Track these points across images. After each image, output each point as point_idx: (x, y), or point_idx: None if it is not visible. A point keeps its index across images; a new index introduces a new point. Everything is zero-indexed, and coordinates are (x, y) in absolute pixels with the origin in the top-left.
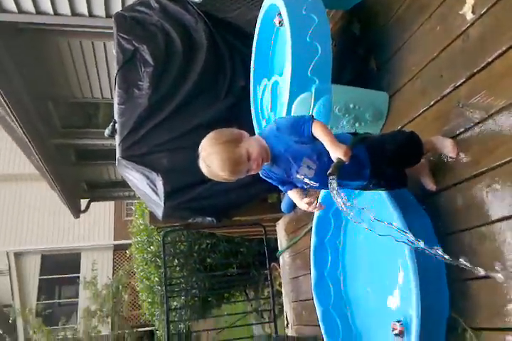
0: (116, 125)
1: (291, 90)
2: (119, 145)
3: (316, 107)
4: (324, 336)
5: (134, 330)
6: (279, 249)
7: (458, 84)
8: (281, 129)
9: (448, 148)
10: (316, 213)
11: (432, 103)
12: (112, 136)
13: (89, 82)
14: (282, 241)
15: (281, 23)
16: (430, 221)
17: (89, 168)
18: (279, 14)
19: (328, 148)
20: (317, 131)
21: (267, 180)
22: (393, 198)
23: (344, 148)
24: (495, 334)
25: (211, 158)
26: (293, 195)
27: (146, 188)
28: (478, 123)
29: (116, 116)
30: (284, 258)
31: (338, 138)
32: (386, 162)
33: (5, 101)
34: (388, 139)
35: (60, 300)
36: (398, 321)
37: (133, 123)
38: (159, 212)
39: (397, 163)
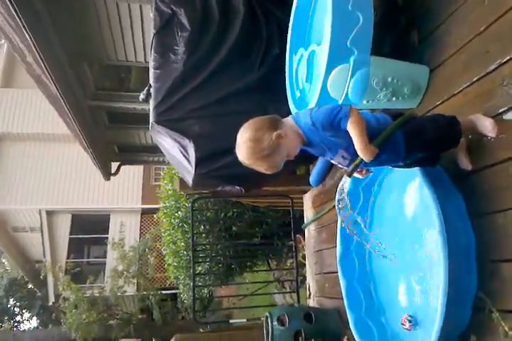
0: (151, 89)
1: (328, 60)
2: (153, 110)
3: (354, 79)
4: (347, 309)
5: (159, 292)
6: (305, 221)
7: (504, 60)
8: (316, 125)
9: (488, 127)
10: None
11: (474, 79)
12: (146, 100)
13: (123, 44)
14: (308, 213)
15: None
16: (463, 200)
17: (121, 131)
18: None
19: (356, 146)
20: (351, 128)
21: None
22: (427, 176)
23: (371, 153)
24: None
25: (255, 166)
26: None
27: (178, 154)
28: None
29: (151, 81)
30: (310, 231)
31: (378, 121)
32: (422, 148)
33: (41, 59)
34: (428, 124)
35: (89, 259)
36: (409, 317)
37: (167, 88)
38: (189, 179)
39: (435, 147)
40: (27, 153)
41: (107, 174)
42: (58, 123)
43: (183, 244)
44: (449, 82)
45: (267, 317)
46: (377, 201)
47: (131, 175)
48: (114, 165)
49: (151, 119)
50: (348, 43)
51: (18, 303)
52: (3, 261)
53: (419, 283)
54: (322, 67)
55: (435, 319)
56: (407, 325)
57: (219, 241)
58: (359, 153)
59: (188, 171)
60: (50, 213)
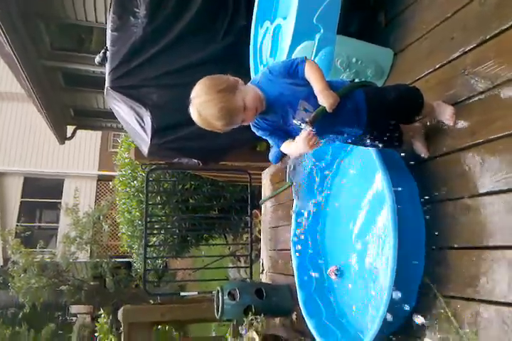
0: (108, 53)
1: (293, 36)
2: (109, 74)
3: (318, 57)
4: (297, 286)
5: (112, 260)
6: (263, 197)
7: (467, 49)
8: (274, 72)
9: (447, 114)
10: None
11: (437, 66)
12: (102, 63)
13: (83, 3)
14: (266, 190)
15: None
16: (416, 186)
17: (78, 94)
18: None
19: (316, 94)
20: (309, 73)
21: (257, 132)
22: (382, 158)
23: (332, 97)
24: (465, 303)
25: (206, 106)
26: (286, 146)
27: (134, 122)
28: (482, 92)
29: (108, 44)
30: (266, 207)
31: (333, 84)
32: (384, 110)
33: None
34: (389, 88)
35: (40, 224)
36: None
37: (125, 53)
38: (145, 149)
39: (396, 113)
40: None
41: (62, 138)
42: (12, 82)
43: (138, 213)
44: (412, 67)
45: (218, 291)
46: (334, 183)
47: (89, 140)
48: (70, 129)
49: (107, 84)
50: (314, 20)
51: None
52: None
53: (370, 262)
54: (286, 43)
55: (382, 301)
56: (334, 276)
57: (175, 212)
58: (320, 97)
59: (143, 140)
60: (0, 175)
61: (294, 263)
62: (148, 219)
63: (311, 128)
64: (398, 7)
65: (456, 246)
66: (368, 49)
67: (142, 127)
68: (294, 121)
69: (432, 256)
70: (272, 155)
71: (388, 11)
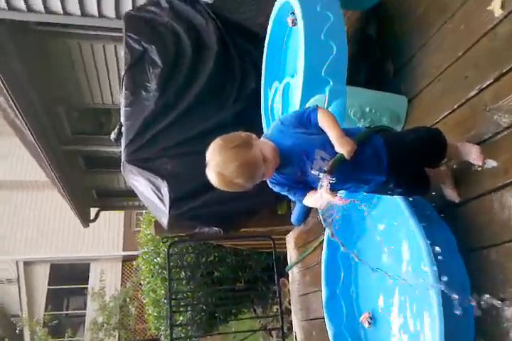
0: (123, 128)
1: (303, 91)
2: (124, 149)
3: (330, 110)
4: None
5: None
6: (289, 263)
7: (484, 86)
8: (285, 123)
9: (473, 154)
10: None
11: (455, 107)
12: (117, 139)
13: (99, 87)
14: (292, 255)
15: (294, 22)
16: (452, 235)
17: (99, 175)
18: (292, 13)
19: (332, 142)
20: (322, 121)
21: (275, 188)
22: (413, 208)
23: (349, 144)
24: None
25: (224, 166)
26: (309, 199)
27: (151, 195)
28: (507, 128)
29: (122, 119)
30: (294, 274)
31: (349, 131)
32: (405, 154)
33: (15, 105)
34: (408, 131)
35: (68, 312)
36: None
37: (139, 126)
38: (164, 221)
39: (418, 156)
40: (4, 201)
41: (86, 221)
42: (36, 170)
43: (163, 292)
44: (428, 112)
45: None
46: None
47: (112, 221)
48: (94, 211)
49: (123, 159)
50: (322, 73)
51: None
52: None
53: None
54: (297, 98)
55: None
56: (367, 324)
57: (200, 287)
58: (336, 145)
59: (162, 212)
60: (27, 263)
61: (330, 332)
62: (173, 296)
63: (330, 178)
64: (405, 55)
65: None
66: (380, 97)
67: (160, 199)
68: (312, 172)
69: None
70: (294, 217)
71: (395, 60)
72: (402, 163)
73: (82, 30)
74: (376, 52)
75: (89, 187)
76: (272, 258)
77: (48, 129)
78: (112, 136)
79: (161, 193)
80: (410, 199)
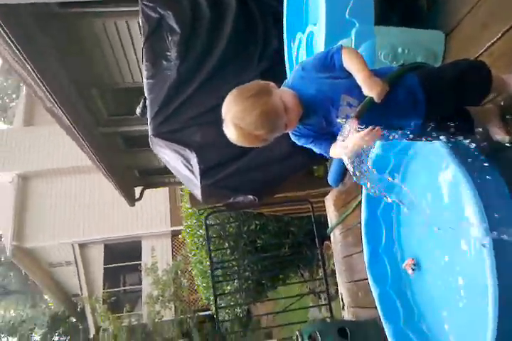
0: (147, 102)
1: (326, 37)
2: (150, 122)
3: None
4: (383, 320)
5: (196, 314)
6: (329, 225)
7: None
8: (307, 68)
9: None
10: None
11: (499, 35)
12: (143, 114)
13: (128, 65)
14: (332, 217)
15: None
16: (503, 180)
17: (139, 154)
18: None
19: (360, 84)
20: (348, 61)
21: (299, 141)
22: (455, 154)
23: (379, 85)
24: None
25: (242, 116)
26: (335, 150)
27: (182, 167)
28: None
29: (146, 93)
30: (335, 235)
31: (379, 72)
32: (445, 92)
33: (49, 92)
34: (447, 66)
35: (125, 288)
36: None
37: (163, 97)
38: (198, 193)
39: (460, 94)
40: (54, 188)
41: (132, 200)
42: (80, 155)
43: (209, 263)
44: (469, 44)
45: (297, 336)
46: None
47: (158, 197)
48: (138, 190)
49: (150, 133)
50: (346, 14)
51: (62, 338)
52: (46, 297)
53: (463, 283)
54: (321, 45)
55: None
56: (410, 270)
57: (245, 255)
58: (364, 87)
59: (194, 184)
60: (82, 245)
61: (375, 293)
62: (219, 266)
63: (358, 124)
64: None
65: None
66: (414, 35)
67: (190, 170)
68: (339, 120)
69: None
70: (330, 177)
71: None
72: (441, 102)
73: (103, 7)
74: None
75: (131, 167)
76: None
77: (83, 113)
78: (138, 110)
79: (190, 164)
80: (451, 143)
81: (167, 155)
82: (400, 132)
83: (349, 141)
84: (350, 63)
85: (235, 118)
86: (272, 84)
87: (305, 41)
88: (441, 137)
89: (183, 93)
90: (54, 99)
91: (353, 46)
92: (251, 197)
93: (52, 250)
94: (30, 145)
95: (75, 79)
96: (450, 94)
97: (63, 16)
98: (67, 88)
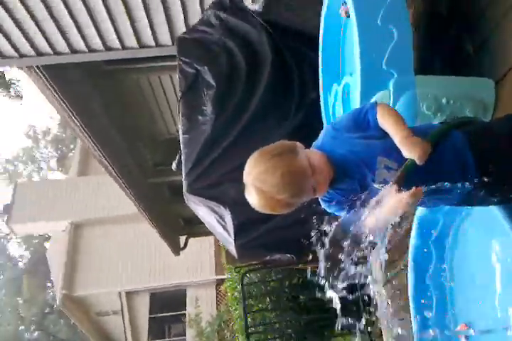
0: (182, 156)
1: (362, 89)
2: (184, 178)
3: (398, 106)
4: None
5: None
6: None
7: None
8: (338, 127)
9: None
10: (413, 241)
11: None
12: (179, 169)
13: (172, 117)
14: (378, 275)
15: (347, 13)
16: None
17: (184, 204)
18: (344, 3)
19: (398, 145)
20: (383, 120)
21: (330, 208)
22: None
23: (421, 145)
24: None
25: (263, 178)
26: (370, 219)
27: (216, 224)
28: None
29: (181, 147)
30: (381, 295)
31: (418, 130)
32: (499, 152)
33: (96, 145)
34: (500, 122)
35: (170, 339)
36: None
37: (197, 153)
38: (233, 250)
39: None
40: (104, 236)
41: (177, 249)
42: (129, 204)
43: (249, 319)
44: None
45: None
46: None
47: (202, 246)
48: (183, 239)
49: (184, 190)
50: (383, 65)
51: None
52: None
53: None
54: (356, 97)
55: None
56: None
57: (287, 312)
58: (404, 148)
59: (229, 242)
60: (129, 294)
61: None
62: (258, 326)
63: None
64: (485, 29)
65: None
66: (459, 84)
67: (224, 227)
68: (376, 186)
69: None
70: None
71: (474, 36)
72: (494, 163)
73: (148, 63)
74: (450, 31)
75: (176, 216)
76: None
77: (130, 164)
78: (173, 165)
79: (224, 221)
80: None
81: (202, 211)
82: (446, 197)
83: (387, 205)
84: (386, 122)
85: (256, 181)
86: (298, 144)
87: (341, 93)
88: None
89: (217, 148)
90: (101, 152)
91: (391, 98)
92: (288, 255)
93: (100, 299)
94: (83, 195)
95: (122, 132)
96: (504, 154)
97: (110, 73)
98: (115, 140)
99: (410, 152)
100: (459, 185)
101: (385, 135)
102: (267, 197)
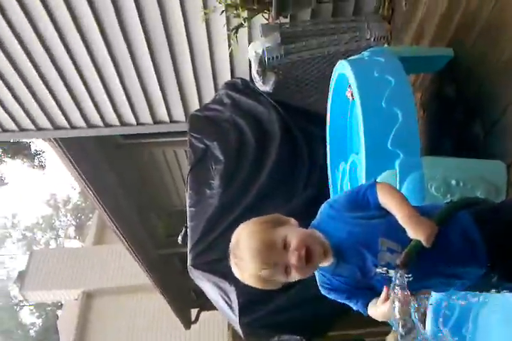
0: (188, 230)
1: (367, 168)
2: (189, 252)
3: (404, 187)
4: None
5: None
6: None
7: None
8: (336, 206)
9: None
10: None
11: None
12: (184, 242)
13: (186, 189)
14: None
15: (353, 95)
16: None
17: None
18: (350, 86)
19: (403, 224)
20: (384, 198)
21: (329, 295)
22: None
23: (428, 225)
24: None
25: (239, 244)
26: (374, 310)
27: (221, 301)
28: None
29: (188, 220)
30: None
31: (423, 210)
32: (507, 233)
33: (108, 215)
34: (508, 203)
35: None
36: None
37: (203, 227)
38: (238, 329)
39: None
40: (115, 307)
41: (187, 322)
42: (142, 274)
43: None
44: None
45: None
46: None
47: (215, 320)
48: (194, 312)
49: (188, 263)
50: (389, 145)
51: None
52: None
53: None
54: (362, 176)
55: None
56: None
57: None
58: (409, 228)
59: (233, 320)
60: None
61: None
62: None
63: (405, 274)
64: (495, 111)
65: None
66: (469, 166)
67: (229, 305)
68: (378, 270)
69: None
70: None
71: (484, 118)
72: (506, 246)
73: (164, 138)
74: (458, 114)
75: (188, 288)
76: None
77: (142, 236)
78: (179, 239)
79: (229, 299)
80: None
81: (206, 286)
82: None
83: (384, 306)
84: (388, 200)
85: (235, 247)
86: (293, 221)
87: (348, 170)
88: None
89: (223, 222)
90: (114, 223)
91: (398, 178)
92: (297, 337)
93: None
94: (97, 263)
95: (136, 204)
96: None
97: (126, 146)
98: (128, 212)
99: (416, 232)
100: (470, 269)
101: (386, 214)
102: (240, 266)
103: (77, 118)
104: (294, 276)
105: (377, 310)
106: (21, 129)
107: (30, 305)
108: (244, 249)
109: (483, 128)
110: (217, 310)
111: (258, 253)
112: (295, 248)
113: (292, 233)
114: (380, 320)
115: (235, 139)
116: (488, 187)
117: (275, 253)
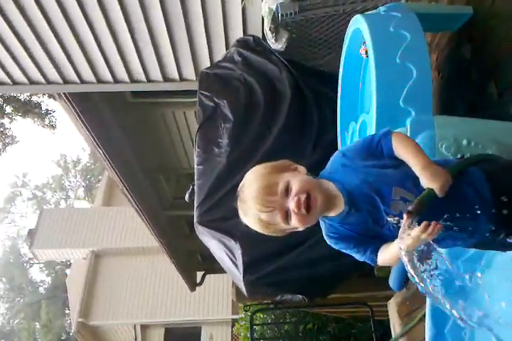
0: (195, 188)
1: (377, 126)
2: (196, 209)
3: None
4: None
5: None
6: (392, 334)
7: None
8: (349, 155)
9: None
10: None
11: None
12: (191, 200)
13: (194, 150)
14: (395, 325)
15: (367, 53)
16: None
17: None
18: (365, 43)
19: (417, 173)
20: (400, 147)
21: (336, 245)
22: None
23: (442, 175)
24: None
25: (244, 187)
26: (384, 255)
27: (225, 258)
28: None
29: (195, 179)
30: None
31: (436, 163)
32: None
33: (118, 175)
34: None
35: None
36: None
37: (210, 184)
38: (242, 287)
39: None
40: (123, 267)
41: (193, 285)
42: (149, 236)
43: None
44: None
45: None
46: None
47: (220, 283)
48: (200, 275)
49: (195, 220)
50: (401, 103)
51: None
52: None
53: None
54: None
55: None
56: None
57: None
58: (424, 177)
59: (238, 278)
60: (144, 327)
61: None
62: None
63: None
64: (509, 73)
65: None
66: (481, 126)
67: (234, 262)
68: (389, 219)
69: None
70: (392, 280)
71: (498, 79)
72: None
73: (174, 98)
74: (473, 74)
75: (194, 251)
76: (380, 326)
77: (150, 196)
78: (186, 196)
79: (234, 256)
80: None
81: (212, 244)
82: (463, 236)
83: (401, 241)
84: (403, 150)
85: (240, 190)
86: (301, 168)
87: (358, 131)
88: None
89: (230, 181)
90: (124, 184)
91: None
92: (299, 296)
93: (115, 330)
94: (106, 224)
95: (145, 164)
96: None
97: (136, 106)
98: (137, 173)
99: (431, 181)
100: (479, 224)
101: (400, 163)
102: (242, 207)
103: (87, 73)
104: (295, 223)
105: (389, 250)
106: (31, 82)
107: (39, 263)
108: (247, 191)
109: (497, 88)
110: (222, 273)
111: (258, 195)
112: (295, 193)
113: (296, 179)
114: (388, 263)
115: (244, 98)
116: (499, 147)
117: (276, 197)
